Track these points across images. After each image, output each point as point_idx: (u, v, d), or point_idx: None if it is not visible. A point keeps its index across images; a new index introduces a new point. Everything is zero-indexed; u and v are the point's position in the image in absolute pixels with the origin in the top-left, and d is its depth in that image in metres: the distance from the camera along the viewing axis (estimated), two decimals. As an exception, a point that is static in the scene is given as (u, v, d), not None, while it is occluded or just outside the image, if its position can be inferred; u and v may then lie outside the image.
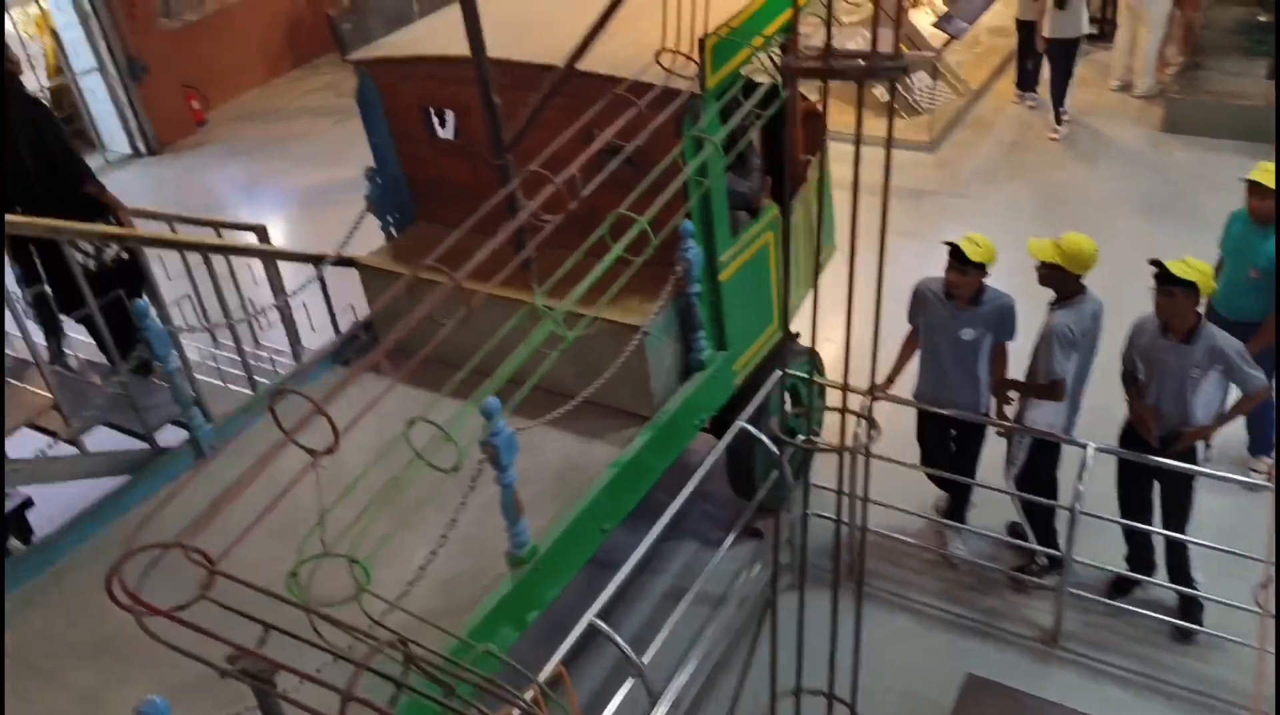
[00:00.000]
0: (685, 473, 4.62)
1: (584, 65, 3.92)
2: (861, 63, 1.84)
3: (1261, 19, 10.28)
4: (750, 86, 4.75)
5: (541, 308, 2.57)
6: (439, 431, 2.19)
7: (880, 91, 10.41)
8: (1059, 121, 9.72)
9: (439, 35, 5.08)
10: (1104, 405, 5.14)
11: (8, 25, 10.63)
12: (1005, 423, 5.13)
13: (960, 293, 4.92)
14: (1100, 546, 5.07)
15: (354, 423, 1.62)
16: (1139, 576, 5.07)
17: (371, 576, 2.02)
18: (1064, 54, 9.43)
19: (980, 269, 4.85)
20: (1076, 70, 9.64)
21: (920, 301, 5.13)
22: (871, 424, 2.32)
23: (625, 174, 3.45)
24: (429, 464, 2.10)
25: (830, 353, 6.22)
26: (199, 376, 5.43)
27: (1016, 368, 5.13)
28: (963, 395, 5.16)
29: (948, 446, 5.42)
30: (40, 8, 11.35)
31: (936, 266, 5.00)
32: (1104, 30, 10.93)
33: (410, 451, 2.24)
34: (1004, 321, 5.00)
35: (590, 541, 4.26)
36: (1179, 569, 4.97)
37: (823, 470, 5.33)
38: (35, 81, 11.10)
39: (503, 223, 2.30)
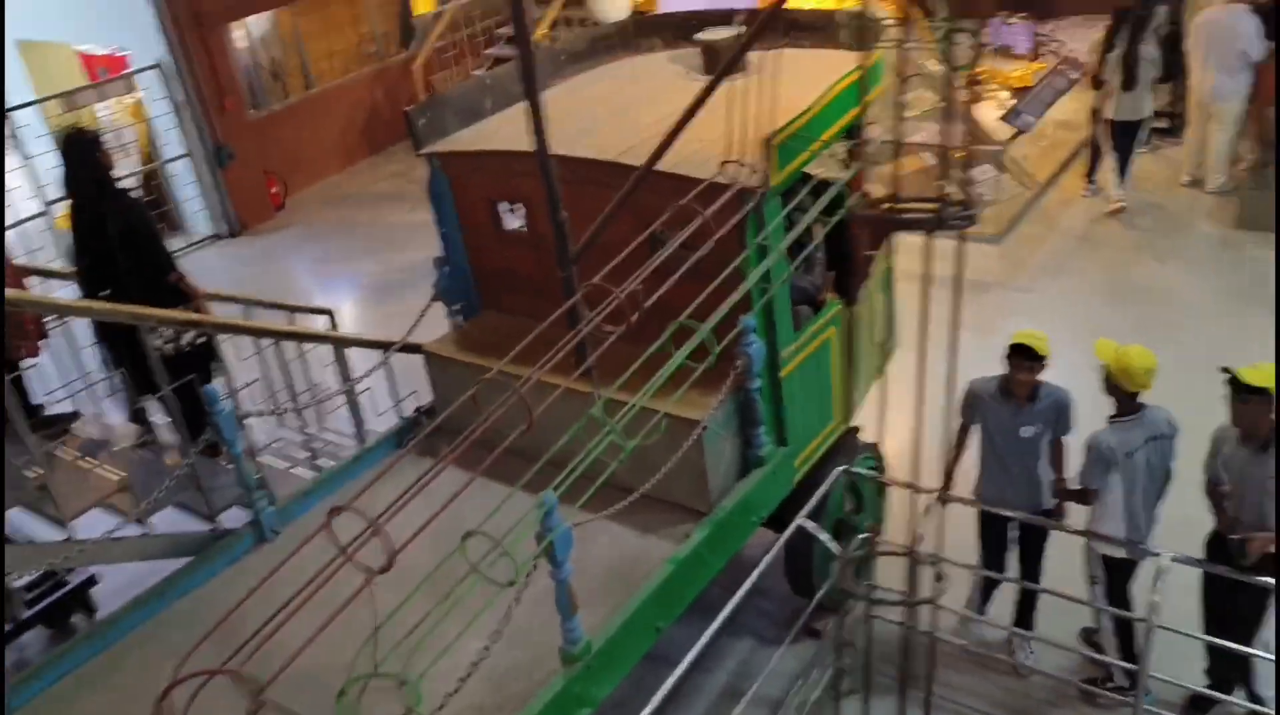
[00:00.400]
0: (742, 567, 4.54)
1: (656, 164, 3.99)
2: (931, 211, 1.83)
3: (1339, 115, 10.11)
4: (816, 184, 4.80)
5: (600, 419, 2.58)
6: (503, 527, 2.18)
7: (947, 182, 10.42)
8: (1120, 188, 9.90)
9: (509, 130, 5.22)
10: (1188, 516, 4.94)
11: (105, 115, 11.19)
12: (1070, 529, 4.99)
13: (1024, 390, 4.85)
14: (1189, 661, 4.86)
15: (409, 542, 1.63)
16: (1218, 695, 4.83)
17: (421, 698, 2.00)
18: (1127, 136, 9.65)
19: (1043, 364, 4.81)
20: (1138, 159, 9.94)
21: (975, 402, 5.07)
22: (939, 575, 2.25)
23: (692, 266, 3.49)
24: (485, 577, 2.09)
25: (892, 448, 6.12)
26: (264, 458, 5.53)
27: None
28: (1025, 494, 5.06)
29: (1005, 550, 5.30)
30: (136, 98, 11.95)
31: (1000, 362, 4.93)
32: (1174, 125, 10.86)
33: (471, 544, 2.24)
34: (1061, 415, 4.95)
35: (645, 639, 4.19)
36: (1248, 683, 4.76)
37: (885, 570, 5.20)
38: (128, 167, 11.65)
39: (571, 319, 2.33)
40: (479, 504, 3.02)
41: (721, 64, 3.85)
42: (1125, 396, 4.63)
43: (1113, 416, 4.72)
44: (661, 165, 4.06)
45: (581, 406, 3.38)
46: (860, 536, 5.16)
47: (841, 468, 5.11)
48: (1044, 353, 4.75)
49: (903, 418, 3.50)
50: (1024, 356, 4.78)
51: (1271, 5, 9.56)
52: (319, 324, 7.10)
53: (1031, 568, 5.24)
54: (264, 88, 13.12)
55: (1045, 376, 4.91)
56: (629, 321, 2.39)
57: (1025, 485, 5.04)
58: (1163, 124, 10.92)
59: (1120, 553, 4.82)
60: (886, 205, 1.89)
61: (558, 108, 5.68)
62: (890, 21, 10.80)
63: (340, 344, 6.08)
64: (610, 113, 5.32)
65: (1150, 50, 9.34)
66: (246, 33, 12.75)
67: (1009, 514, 5.01)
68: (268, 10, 12.84)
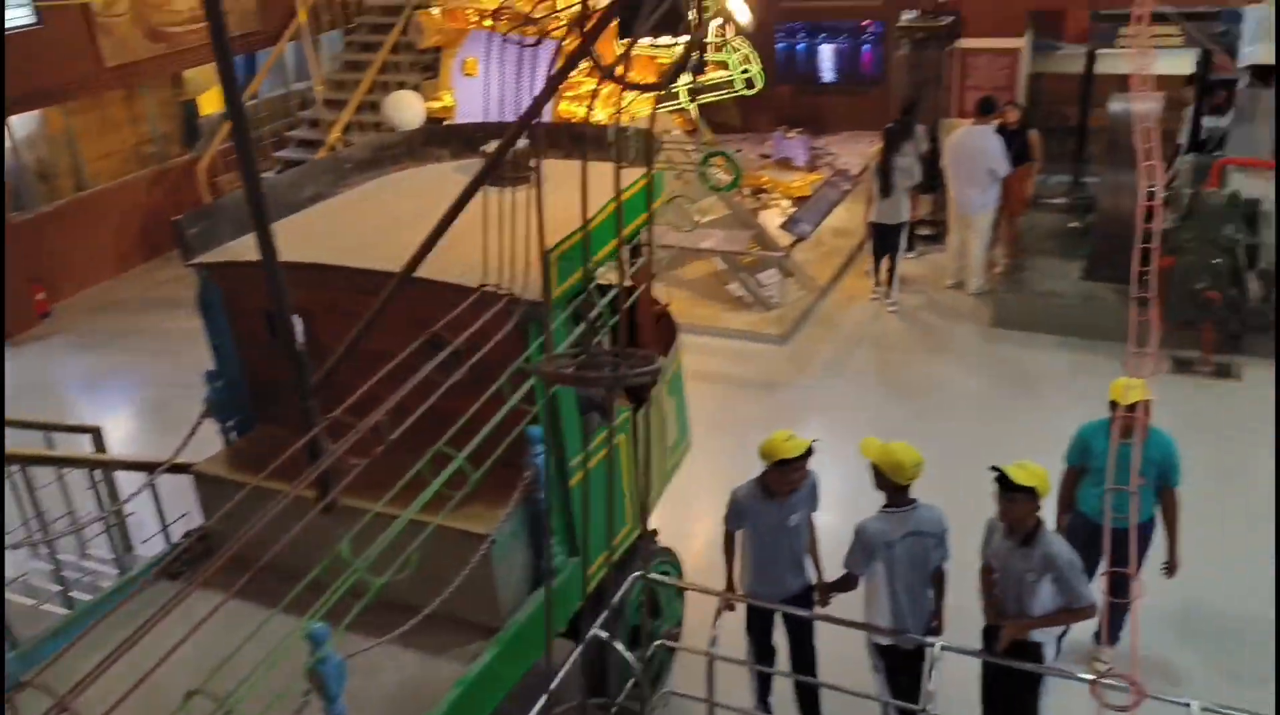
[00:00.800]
0: (538, 679, 4.40)
1: (426, 273, 3.93)
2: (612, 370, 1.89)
3: (1072, 225, 11.28)
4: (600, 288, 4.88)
5: (346, 559, 2.46)
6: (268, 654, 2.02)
7: (735, 287, 10.89)
8: (888, 292, 10.72)
9: (286, 239, 5.06)
10: (964, 605, 5.14)
11: None
12: (833, 618, 5.11)
13: (792, 487, 5.03)
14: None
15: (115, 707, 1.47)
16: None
17: None
18: (886, 238, 10.49)
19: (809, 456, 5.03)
20: (906, 263, 10.89)
21: (741, 510, 5.17)
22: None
23: (468, 376, 3.43)
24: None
25: (691, 547, 6.17)
26: (9, 594, 4.99)
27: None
28: (793, 577, 5.23)
29: (771, 635, 5.44)
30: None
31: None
32: (938, 232, 11.78)
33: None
34: (814, 493, 5.22)
35: (433, 769, 3.97)
36: None
37: (680, 674, 5.20)
38: None
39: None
40: (249, 629, 2.81)
41: (501, 174, 3.86)
42: (894, 489, 4.85)
43: (884, 506, 4.93)
44: (440, 275, 4.02)
45: (349, 521, 3.22)
46: (657, 643, 5.15)
47: (636, 574, 5.10)
48: (803, 452, 4.93)
49: (698, 518, 3.55)
50: (802, 459, 4.95)
51: (1015, 127, 10.67)
52: (83, 443, 6.56)
53: (804, 654, 5.36)
54: (29, 189, 12.31)
55: (813, 465, 5.10)
56: (374, 454, 2.31)
57: (791, 569, 5.22)
58: (927, 232, 11.86)
59: (888, 640, 4.98)
60: (562, 366, 1.94)
61: (342, 216, 5.58)
62: (672, 137, 11.29)
63: (99, 466, 5.61)
64: (394, 222, 5.26)
65: (905, 161, 10.17)
66: (9, 132, 11.99)
67: (794, 610, 5.13)
68: (34, 110, 12.14)
